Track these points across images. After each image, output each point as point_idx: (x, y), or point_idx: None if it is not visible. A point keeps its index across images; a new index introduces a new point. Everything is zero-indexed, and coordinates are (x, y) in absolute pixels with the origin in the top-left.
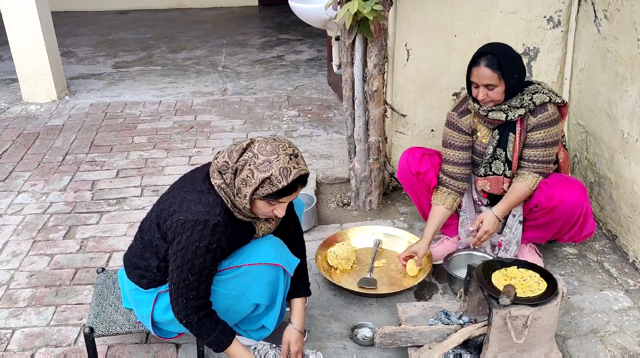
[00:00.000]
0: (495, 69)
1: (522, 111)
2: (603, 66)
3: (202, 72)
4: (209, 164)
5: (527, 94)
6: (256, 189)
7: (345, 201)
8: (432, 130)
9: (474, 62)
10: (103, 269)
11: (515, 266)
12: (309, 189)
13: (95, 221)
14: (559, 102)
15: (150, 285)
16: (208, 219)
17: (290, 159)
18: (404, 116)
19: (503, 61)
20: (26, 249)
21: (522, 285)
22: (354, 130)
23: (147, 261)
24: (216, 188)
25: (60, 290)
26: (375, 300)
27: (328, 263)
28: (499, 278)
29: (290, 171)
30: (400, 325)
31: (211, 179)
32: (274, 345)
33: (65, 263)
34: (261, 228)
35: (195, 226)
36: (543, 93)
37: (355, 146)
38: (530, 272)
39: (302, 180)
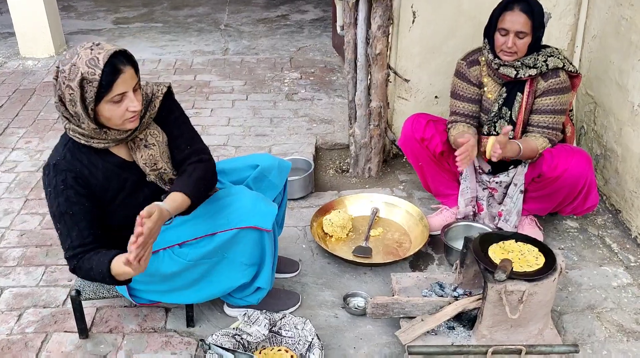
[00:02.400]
0: (530, 17)
1: (533, 72)
2: (616, 33)
3: (203, 30)
4: None
5: (542, 56)
6: (83, 98)
7: (344, 167)
8: (436, 97)
9: (505, 8)
10: None
11: (514, 240)
12: (307, 154)
13: None
14: (572, 70)
15: None
16: (49, 163)
17: (92, 49)
18: (407, 81)
19: (536, 10)
20: (18, 207)
21: (520, 260)
22: (355, 94)
23: None
24: (68, 134)
25: (51, 250)
26: (370, 269)
27: (323, 231)
28: (496, 252)
29: (97, 59)
30: (393, 295)
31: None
32: (264, 311)
33: None
34: (141, 156)
35: (44, 174)
36: (558, 58)
37: (355, 111)
38: (529, 246)
39: (119, 58)
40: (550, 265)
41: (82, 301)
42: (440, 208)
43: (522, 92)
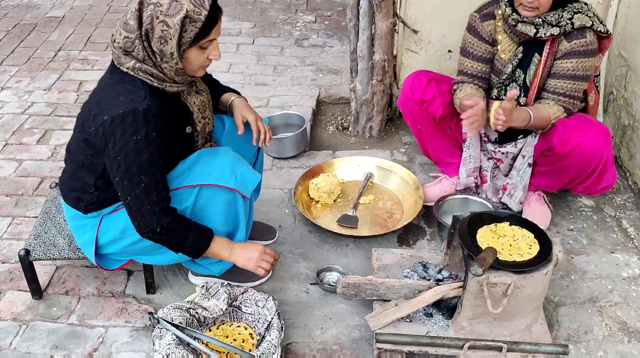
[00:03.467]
0: None
1: (555, 31)
2: None
3: None
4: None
5: (568, 12)
6: (180, 37)
7: (345, 124)
8: (450, 51)
9: None
10: (57, 184)
11: (508, 223)
12: (306, 109)
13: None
14: (602, 31)
15: (90, 208)
16: (136, 107)
17: None
18: (416, 32)
19: None
20: None
21: (511, 246)
22: (357, 45)
23: (82, 181)
24: (131, 72)
25: (21, 200)
26: (353, 240)
27: (309, 195)
28: (485, 236)
29: None
30: (372, 272)
31: (120, 67)
32: (225, 283)
33: (32, 170)
34: (194, 102)
35: (124, 120)
36: (587, 16)
37: (357, 64)
38: (524, 231)
39: (217, 5)
40: (544, 255)
41: (36, 261)
42: (440, 177)
43: (541, 54)
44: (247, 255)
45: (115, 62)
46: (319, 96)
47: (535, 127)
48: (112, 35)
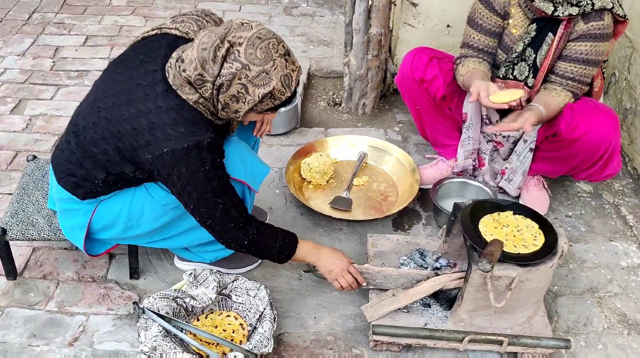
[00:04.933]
0: None
1: (574, 10)
2: None
3: None
4: (152, 60)
5: None
6: (254, 105)
7: (337, 100)
8: (449, 26)
9: None
10: (34, 157)
11: (511, 211)
12: None
13: (50, 95)
14: (620, 14)
15: (89, 195)
16: (200, 141)
17: (287, 61)
18: (415, 4)
19: None
20: None
21: (515, 237)
22: (352, 17)
23: (87, 171)
24: (192, 104)
25: None
26: (347, 224)
27: (301, 175)
28: (488, 225)
29: (291, 77)
30: (367, 259)
31: (178, 91)
32: (214, 270)
33: (6, 143)
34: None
35: (187, 153)
36: None
37: (352, 37)
38: (528, 221)
39: (297, 84)
40: (549, 247)
41: (13, 241)
42: (436, 158)
43: (555, 34)
44: (331, 266)
45: (172, 83)
46: (309, 69)
47: (546, 120)
48: (182, 59)
